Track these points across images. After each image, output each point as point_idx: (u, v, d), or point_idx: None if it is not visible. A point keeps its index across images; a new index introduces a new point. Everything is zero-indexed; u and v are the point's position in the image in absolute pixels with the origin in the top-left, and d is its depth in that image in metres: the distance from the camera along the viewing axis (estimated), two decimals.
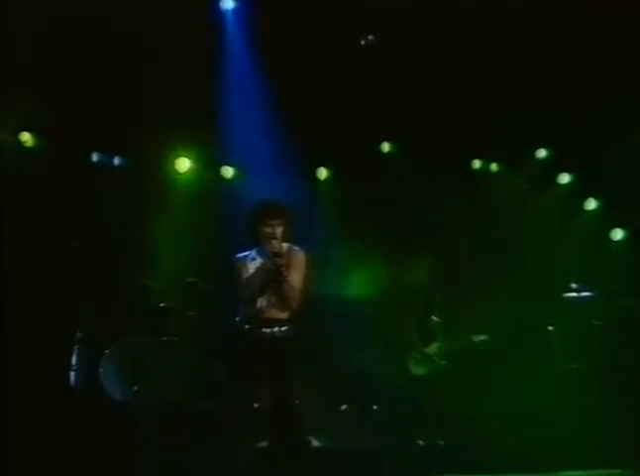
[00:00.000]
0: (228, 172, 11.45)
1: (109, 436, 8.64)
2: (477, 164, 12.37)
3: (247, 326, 7.18)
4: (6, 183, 8.64)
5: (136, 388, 9.63)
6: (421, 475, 9.22)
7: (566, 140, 11.58)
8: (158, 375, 9.65)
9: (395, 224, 11.49)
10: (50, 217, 9.87)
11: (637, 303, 11.23)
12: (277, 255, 7.07)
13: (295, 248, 7.22)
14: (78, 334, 9.83)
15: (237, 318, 7.27)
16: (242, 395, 7.20)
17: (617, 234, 12.49)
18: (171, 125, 10.26)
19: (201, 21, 10.15)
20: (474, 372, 10.80)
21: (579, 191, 12.38)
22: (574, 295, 11.48)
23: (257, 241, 7.19)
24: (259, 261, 7.17)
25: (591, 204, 12.48)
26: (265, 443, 7.23)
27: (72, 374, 9.77)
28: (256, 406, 7.24)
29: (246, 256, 7.22)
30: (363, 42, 11.08)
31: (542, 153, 12.32)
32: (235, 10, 10.59)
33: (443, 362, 10.75)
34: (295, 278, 7.13)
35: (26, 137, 10.21)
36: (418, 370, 10.72)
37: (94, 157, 10.76)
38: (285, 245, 7.18)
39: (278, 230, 7.13)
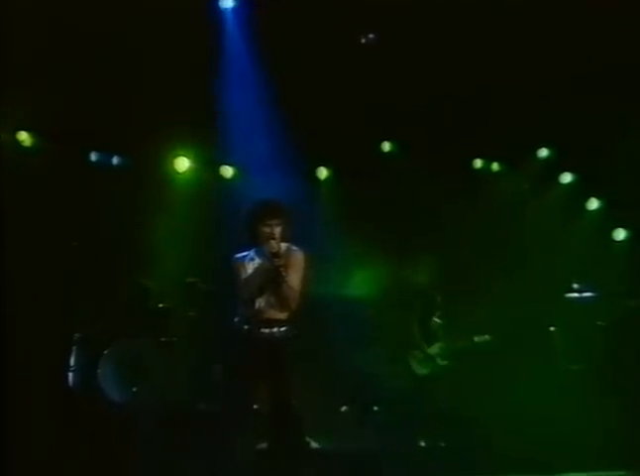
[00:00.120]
0: (227, 171, 11.44)
1: (108, 437, 8.61)
2: (478, 163, 12.35)
3: (246, 327, 7.16)
4: (4, 183, 8.62)
5: (135, 389, 9.62)
6: None
7: (567, 139, 11.55)
8: (156, 376, 9.63)
9: (396, 224, 11.46)
10: (48, 217, 9.85)
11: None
12: (276, 255, 7.04)
13: (294, 248, 7.20)
14: (77, 335, 9.81)
15: (236, 319, 7.23)
16: (241, 395, 7.18)
17: (619, 234, 12.46)
18: (170, 124, 10.25)
19: (200, 19, 10.13)
20: (475, 372, 10.80)
21: (580, 191, 12.35)
22: (576, 295, 11.45)
23: (255, 241, 7.17)
24: (257, 261, 7.15)
25: (593, 204, 12.46)
26: (264, 444, 7.20)
27: (71, 375, 9.74)
28: (255, 406, 7.20)
29: (244, 256, 7.20)
30: (363, 40, 11.05)
31: (544, 152, 12.29)
32: (234, 9, 10.56)
33: (445, 362, 10.71)
34: (294, 278, 7.11)
35: (24, 136, 10.20)
36: (420, 370, 10.70)
37: (93, 156, 10.74)
38: (284, 245, 7.16)
39: (277, 230, 7.11)
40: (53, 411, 8.70)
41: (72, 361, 9.76)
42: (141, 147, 10.59)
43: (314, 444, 8.92)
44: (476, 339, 10.82)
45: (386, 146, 12.01)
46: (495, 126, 11.17)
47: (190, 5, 9.91)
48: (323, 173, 11.91)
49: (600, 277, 11.58)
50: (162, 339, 9.96)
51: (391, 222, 11.43)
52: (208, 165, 11.36)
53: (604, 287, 11.46)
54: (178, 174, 11.15)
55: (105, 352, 9.63)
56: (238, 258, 7.20)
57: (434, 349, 10.73)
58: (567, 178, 12.38)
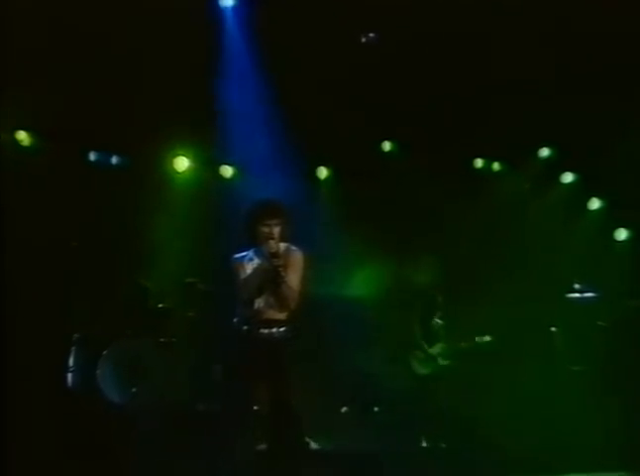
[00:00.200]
0: (227, 171, 11.43)
1: (107, 438, 8.59)
2: (478, 163, 12.33)
3: (245, 327, 7.14)
4: (3, 183, 8.59)
5: (134, 389, 9.62)
6: None
7: (569, 139, 11.53)
8: (156, 376, 9.63)
9: (396, 224, 11.45)
10: (47, 217, 9.84)
11: None
12: (275, 255, 7.03)
13: (293, 248, 7.18)
14: (76, 335, 9.80)
15: (235, 319, 7.22)
16: (240, 396, 7.18)
17: (621, 234, 12.43)
18: (170, 124, 10.23)
19: (200, 18, 10.11)
20: (476, 373, 10.79)
21: (582, 191, 12.32)
22: (577, 295, 11.42)
23: (254, 241, 7.15)
24: (256, 261, 7.14)
25: (595, 204, 12.44)
26: (264, 444, 7.18)
27: (70, 375, 9.74)
28: (254, 407, 7.19)
29: (243, 256, 7.18)
30: (363, 39, 11.02)
31: (545, 152, 12.27)
32: (234, 7, 10.54)
33: (445, 363, 10.70)
34: (293, 278, 7.09)
35: (22, 136, 10.19)
36: (421, 370, 10.68)
37: (92, 156, 10.74)
38: (283, 245, 7.14)
39: (276, 230, 7.09)
40: (53, 411, 8.69)
41: (71, 361, 9.77)
42: (140, 146, 10.58)
43: (314, 445, 8.90)
44: (477, 339, 10.80)
45: (387, 146, 12.00)
46: (496, 126, 11.15)
47: (190, 4, 9.89)
48: (323, 172, 11.89)
49: (602, 277, 11.55)
50: (162, 339, 9.96)
51: (392, 222, 11.41)
52: (208, 164, 11.35)
53: (606, 287, 11.44)
54: (178, 173, 11.15)
55: (104, 352, 9.64)
56: (237, 258, 7.18)
57: (435, 349, 10.72)
58: (568, 177, 12.36)
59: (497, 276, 11.43)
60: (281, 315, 7.14)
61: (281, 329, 7.13)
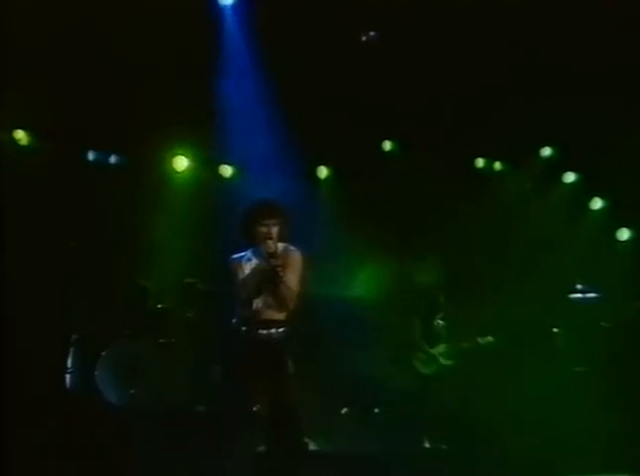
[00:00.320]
0: (226, 170, 11.42)
1: (106, 439, 8.56)
2: (480, 163, 12.32)
3: (243, 328, 7.10)
4: (0, 183, 8.56)
5: (133, 390, 9.62)
6: None
7: (570, 138, 11.52)
8: (155, 377, 9.64)
9: (397, 224, 11.43)
10: (46, 217, 9.83)
11: None
12: (273, 255, 6.98)
13: (292, 248, 7.14)
14: (74, 336, 9.80)
15: (234, 320, 7.18)
16: (239, 396, 7.13)
17: (624, 234, 12.40)
18: (169, 123, 10.23)
19: (200, 17, 10.09)
20: (478, 373, 10.76)
21: (584, 191, 12.31)
22: (579, 296, 11.40)
23: (252, 241, 7.11)
24: (254, 261, 7.09)
25: (597, 204, 12.41)
26: (263, 445, 7.15)
27: (68, 376, 9.74)
28: (253, 407, 7.15)
29: (241, 257, 7.14)
30: (364, 38, 10.99)
31: (546, 151, 12.25)
32: (234, 6, 10.51)
33: (448, 363, 10.66)
34: (291, 278, 7.04)
35: (21, 135, 10.18)
36: (423, 371, 10.64)
37: (90, 155, 10.74)
38: (281, 245, 7.09)
39: (274, 230, 7.04)
40: (51, 412, 8.68)
41: (70, 362, 9.78)
42: (139, 146, 10.59)
43: (313, 445, 8.87)
44: (478, 340, 10.76)
45: (387, 145, 11.97)
46: (498, 125, 11.13)
47: (189, 2, 9.88)
48: (323, 172, 11.88)
49: (604, 277, 11.53)
50: (161, 340, 9.97)
51: (392, 222, 11.40)
52: (207, 164, 11.35)
53: (608, 287, 11.42)
54: (177, 173, 11.15)
55: (103, 353, 9.64)
56: (235, 258, 7.14)
57: (437, 350, 10.68)
58: (570, 177, 12.33)
59: (499, 276, 11.43)
60: (280, 316, 7.10)
61: (280, 330, 7.10)
